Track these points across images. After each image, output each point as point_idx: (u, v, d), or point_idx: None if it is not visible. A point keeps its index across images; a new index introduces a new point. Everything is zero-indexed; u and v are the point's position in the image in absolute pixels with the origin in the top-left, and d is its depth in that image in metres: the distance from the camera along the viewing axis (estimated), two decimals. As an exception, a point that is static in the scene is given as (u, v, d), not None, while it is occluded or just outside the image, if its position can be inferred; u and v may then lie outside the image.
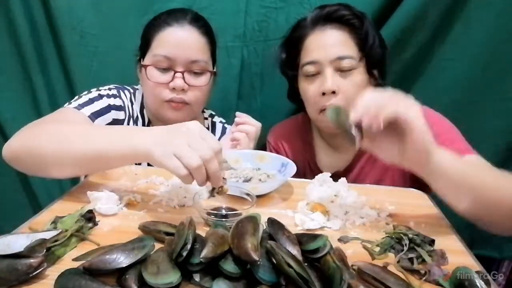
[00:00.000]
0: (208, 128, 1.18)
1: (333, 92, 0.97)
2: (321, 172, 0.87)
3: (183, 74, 1.00)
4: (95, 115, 0.96)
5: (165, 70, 1.00)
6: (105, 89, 1.05)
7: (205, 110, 1.21)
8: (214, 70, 1.09)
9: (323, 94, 0.98)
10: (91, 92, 1.02)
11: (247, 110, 1.41)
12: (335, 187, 0.81)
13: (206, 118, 1.20)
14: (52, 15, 1.32)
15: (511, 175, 0.73)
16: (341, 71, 0.98)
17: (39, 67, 1.38)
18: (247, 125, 1.06)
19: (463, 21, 1.21)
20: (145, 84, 1.04)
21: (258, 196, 0.79)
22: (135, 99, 1.11)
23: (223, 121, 1.24)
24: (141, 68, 1.04)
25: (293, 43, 1.06)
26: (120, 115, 1.05)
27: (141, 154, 0.69)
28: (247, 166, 0.95)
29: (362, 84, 0.99)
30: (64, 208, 0.72)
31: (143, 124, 1.11)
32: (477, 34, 1.20)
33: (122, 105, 1.06)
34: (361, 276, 0.55)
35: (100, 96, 1.01)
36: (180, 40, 1.00)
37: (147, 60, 1.02)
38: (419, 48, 1.25)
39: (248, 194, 0.76)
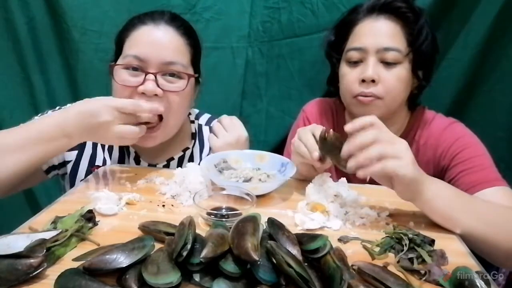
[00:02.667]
0: (195, 133, 1.08)
1: (373, 81, 0.96)
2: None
3: (155, 77, 0.87)
4: None
5: (135, 71, 0.88)
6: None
7: (190, 112, 1.10)
8: (196, 75, 0.97)
9: (363, 81, 0.97)
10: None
11: (252, 111, 1.42)
12: (335, 187, 0.81)
13: (192, 122, 1.10)
14: (53, 12, 1.32)
15: None
16: (385, 62, 0.96)
17: (38, 65, 1.37)
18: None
19: (462, 20, 1.21)
20: (113, 90, 0.92)
21: (258, 196, 0.79)
22: None
23: (211, 122, 1.12)
24: (110, 71, 0.91)
25: (344, 27, 1.04)
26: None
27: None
28: (247, 166, 0.95)
29: (403, 80, 0.98)
30: (64, 208, 0.72)
31: (122, 153, 1.02)
32: (476, 34, 1.21)
33: None
34: (361, 276, 0.55)
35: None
36: (153, 39, 0.89)
37: (118, 62, 0.91)
38: None
39: (248, 194, 0.76)
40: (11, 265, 0.52)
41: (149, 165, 1.04)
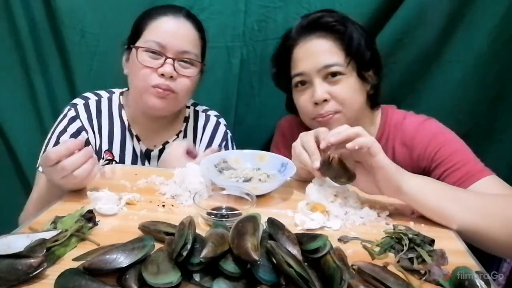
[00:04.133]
0: (188, 117, 1.18)
1: (325, 101, 0.97)
2: None
3: (173, 62, 0.99)
4: None
5: (155, 55, 0.99)
6: (61, 121, 1.05)
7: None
8: (204, 64, 1.09)
9: (316, 103, 0.98)
10: (49, 137, 1.04)
11: (246, 110, 1.42)
12: (335, 187, 0.81)
13: (188, 107, 1.19)
14: (53, 15, 1.33)
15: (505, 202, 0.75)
16: (330, 78, 0.98)
17: (39, 67, 1.38)
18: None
19: (465, 23, 1.21)
20: (132, 69, 1.02)
21: (258, 196, 0.79)
22: (111, 103, 1.11)
23: (209, 110, 1.22)
24: (131, 53, 1.03)
25: (282, 56, 1.06)
26: (84, 134, 1.05)
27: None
28: (247, 166, 0.95)
29: (353, 88, 0.99)
30: (64, 208, 0.72)
31: (122, 127, 1.10)
32: (479, 36, 1.20)
33: (80, 125, 1.05)
34: (361, 276, 0.55)
35: (57, 139, 1.03)
36: (173, 29, 1.00)
37: (138, 45, 1.01)
38: (421, 50, 1.25)
39: (248, 194, 0.76)
40: (11, 265, 0.52)
41: (147, 149, 1.12)
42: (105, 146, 1.08)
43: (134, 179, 0.89)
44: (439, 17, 1.20)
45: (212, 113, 1.22)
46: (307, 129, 1.16)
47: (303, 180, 0.90)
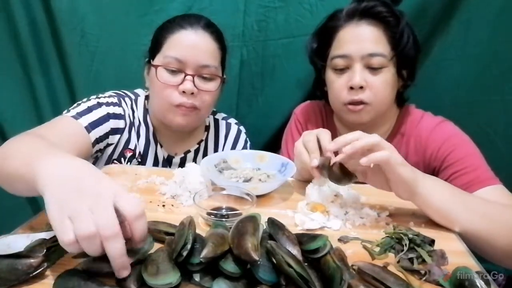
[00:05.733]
0: (209, 126, 1.18)
1: (361, 87, 0.97)
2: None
3: (193, 78, 0.99)
4: (92, 126, 0.95)
5: (175, 72, 0.99)
6: (105, 97, 1.03)
7: None
8: (224, 76, 1.08)
9: (351, 88, 0.97)
10: (90, 100, 1.00)
11: (248, 111, 1.42)
12: (335, 187, 0.81)
13: (208, 116, 1.19)
14: (53, 16, 1.32)
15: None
16: (371, 67, 0.97)
17: (40, 67, 1.38)
18: None
19: (462, 21, 1.21)
20: (153, 86, 1.03)
21: (258, 196, 0.79)
22: (137, 106, 1.10)
23: (228, 118, 1.23)
24: (150, 69, 1.03)
25: (325, 34, 1.04)
26: (119, 123, 1.03)
27: (36, 188, 0.57)
28: (247, 166, 0.95)
29: (390, 83, 0.99)
30: (64, 208, 0.72)
31: (147, 132, 1.10)
32: (477, 34, 1.20)
33: (123, 113, 1.04)
34: (361, 276, 0.55)
35: (99, 104, 0.99)
36: (192, 44, 0.99)
37: (157, 61, 1.01)
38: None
39: (248, 194, 0.76)
40: (11, 265, 0.52)
41: (169, 156, 1.13)
42: (132, 145, 1.08)
43: (134, 179, 0.89)
44: (436, 15, 1.20)
45: (233, 121, 1.22)
46: (325, 115, 1.17)
47: (303, 180, 0.90)
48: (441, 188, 0.75)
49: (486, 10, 1.18)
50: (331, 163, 0.77)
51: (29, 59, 1.36)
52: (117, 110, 1.03)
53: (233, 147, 1.19)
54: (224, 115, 1.24)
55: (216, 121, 1.20)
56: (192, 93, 0.99)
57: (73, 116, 0.93)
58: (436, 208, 0.73)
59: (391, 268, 0.59)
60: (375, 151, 0.70)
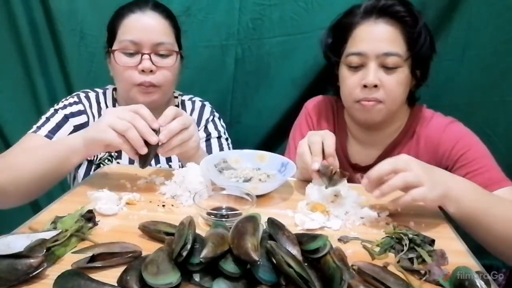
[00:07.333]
0: (178, 106, 1.20)
1: (375, 86, 0.96)
2: (349, 161, 0.85)
3: (150, 56, 1.02)
4: (52, 132, 1.02)
5: (132, 54, 1.03)
6: (62, 101, 1.10)
7: (175, 90, 1.23)
8: (181, 51, 1.11)
9: (364, 86, 0.97)
10: (49, 111, 1.07)
11: (243, 109, 1.41)
12: (335, 187, 0.81)
13: (176, 97, 1.22)
14: (52, 17, 1.33)
15: None
16: (385, 67, 0.96)
17: (40, 68, 1.38)
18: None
19: (463, 21, 1.21)
20: (115, 71, 1.07)
21: (258, 196, 0.79)
22: (105, 97, 1.15)
23: (194, 97, 1.25)
24: (110, 56, 1.06)
25: (341, 29, 1.03)
26: (81, 119, 1.08)
27: (81, 144, 0.81)
28: (247, 166, 0.95)
29: (404, 82, 0.98)
30: (64, 208, 0.72)
31: None
32: (477, 35, 1.20)
33: (83, 109, 1.10)
34: (361, 276, 0.55)
35: (56, 111, 1.06)
36: (144, 24, 1.03)
37: (114, 47, 1.04)
38: None
39: (248, 194, 0.76)
40: (11, 265, 0.52)
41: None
42: None
43: (134, 179, 0.89)
44: (436, 16, 1.20)
45: (197, 99, 1.25)
46: (336, 110, 1.17)
47: (304, 180, 0.90)
48: (471, 186, 0.77)
49: (486, 10, 1.18)
50: (333, 171, 0.77)
51: (29, 61, 1.37)
52: (75, 108, 1.09)
53: (199, 119, 1.20)
54: (190, 96, 1.26)
55: (183, 102, 1.24)
56: (151, 71, 1.03)
57: (33, 132, 1.01)
58: (467, 209, 0.74)
59: (391, 268, 0.59)
60: (411, 188, 0.71)
